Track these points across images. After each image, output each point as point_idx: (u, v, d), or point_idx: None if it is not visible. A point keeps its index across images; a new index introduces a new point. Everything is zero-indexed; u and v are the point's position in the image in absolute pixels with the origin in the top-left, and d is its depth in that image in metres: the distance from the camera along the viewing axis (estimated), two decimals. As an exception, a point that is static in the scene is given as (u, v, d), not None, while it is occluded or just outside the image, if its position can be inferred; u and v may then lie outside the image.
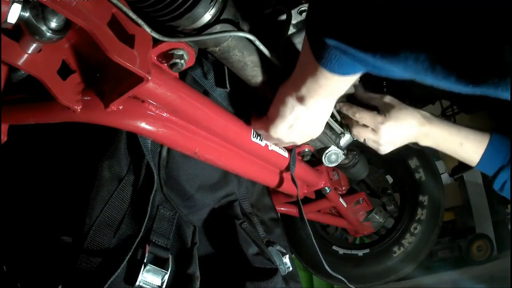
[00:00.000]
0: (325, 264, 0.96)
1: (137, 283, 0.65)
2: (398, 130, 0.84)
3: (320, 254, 0.98)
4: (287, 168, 0.98)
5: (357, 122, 0.88)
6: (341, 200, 1.41)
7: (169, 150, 0.84)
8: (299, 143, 0.81)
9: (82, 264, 0.65)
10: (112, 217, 0.71)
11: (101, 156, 0.77)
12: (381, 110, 0.86)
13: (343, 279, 1.10)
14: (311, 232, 0.96)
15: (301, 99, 0.67)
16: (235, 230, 0.90)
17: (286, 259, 0.96)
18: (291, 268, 0.97)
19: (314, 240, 0.96)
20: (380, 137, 0.85)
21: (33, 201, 1.01)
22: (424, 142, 0.87)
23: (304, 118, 0.71)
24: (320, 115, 0.73)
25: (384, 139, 0.85)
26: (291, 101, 0.69)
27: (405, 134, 0.85)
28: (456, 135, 0.83)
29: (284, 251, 0.98)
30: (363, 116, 0.86)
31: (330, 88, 0.62)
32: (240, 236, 0.89)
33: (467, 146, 0.83)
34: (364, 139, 0.89)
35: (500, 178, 0.82)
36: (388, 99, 0.86)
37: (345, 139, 0.95)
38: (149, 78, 0.53)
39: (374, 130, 0.85)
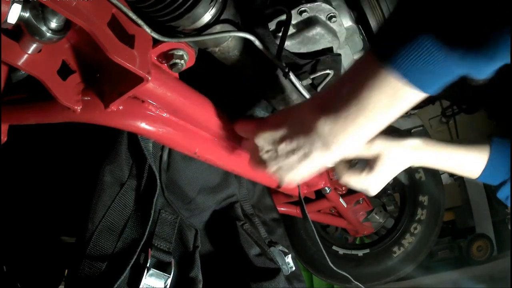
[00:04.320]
0: (328, 261, 0.97)
1: (140, 287, 0.65)
2: (387, 177, 0.75)
3: (323, 251, 0.98)
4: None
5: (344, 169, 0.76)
6: (341, 200, 1.41)
7: (170, 154, 0.84)
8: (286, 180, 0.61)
9: (85, 269, 0.65)
10: (115, 222, 0.71)
11: (102, 158, 0.76)
12: (367, 163, 0.75)
13: (347, 275, 1.10)
14: (314, 229, 0.96)
15: (333, 120, 0.48)
16: (237, 232, 0.90)
17: (289, 259, 0.96)
18: (294, 268, 0.97)
19: (317, 237, 0.97)
20: (371, 190, 0.76)
21: (34, 201, 1.01)
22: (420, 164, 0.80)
23: (315, 154, 0.54)
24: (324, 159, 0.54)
25: (375, 190, 0.76)
26: (319, 125, 0.50)
27: (395, 173, 0.77)
28: (451, 156, 0.77)
29: (287, 250, 0.98)
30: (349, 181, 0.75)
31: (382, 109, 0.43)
32: (242, 237, 0.89)
33: (465, 165, 0.78)
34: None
35: (504, 190, 0.80)
36: (375, 148, 0.72)
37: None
38: (149, 78, 0.53)
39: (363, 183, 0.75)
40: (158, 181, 0.75)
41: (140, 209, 0.74)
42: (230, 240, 0.89)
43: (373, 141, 0.71)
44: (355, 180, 0.75)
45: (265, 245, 0.93)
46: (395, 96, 0.42)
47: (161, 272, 0.68)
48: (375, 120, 0.46)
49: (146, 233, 0.70)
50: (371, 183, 0.74)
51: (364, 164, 0.76)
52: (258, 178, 0.96)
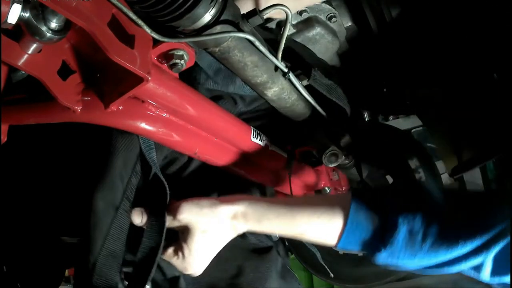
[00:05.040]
0: (319, 258, 0.97)
1: None
2: (204, 255, 0.67)
3: (319, 253, 0.99)
4: (287, 168, 0.98)
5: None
6: (341, 200, 1.41)
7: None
8: None
9: None
10: (116, 248, 0.69)
11: (102, 158, 0.75)
12: (180, 235, 0.69)
13: (328, 270, 1.12)
14: None
15: None
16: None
17: None
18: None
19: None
20: (189, 271, 0.68)
21: (34, 201, 1.01)
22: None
23: None
24: None
25: (193, 271, 0.68)
26: None
27: (217, 247, 0.68)
28: (293, 223, 0.64)
29: None
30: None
31: None
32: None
33: (313, 232, 0.64)
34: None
35: (382, 256, 0.65)
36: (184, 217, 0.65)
37: (345, 139, 0.95)
38: (149, 78, 0.53)
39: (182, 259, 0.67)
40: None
41: (137, 230, 0.73)
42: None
43: (180, 209, 0.65)
44: (174, 261, 0.68)
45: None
46: None
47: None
48: None
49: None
50: (187, 264, 0.66)
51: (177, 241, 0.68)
52: (258, 178, 0.96)
